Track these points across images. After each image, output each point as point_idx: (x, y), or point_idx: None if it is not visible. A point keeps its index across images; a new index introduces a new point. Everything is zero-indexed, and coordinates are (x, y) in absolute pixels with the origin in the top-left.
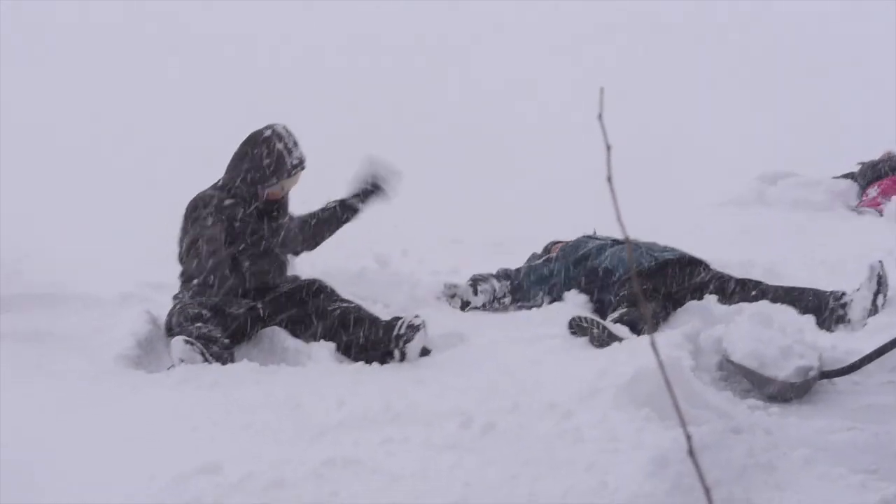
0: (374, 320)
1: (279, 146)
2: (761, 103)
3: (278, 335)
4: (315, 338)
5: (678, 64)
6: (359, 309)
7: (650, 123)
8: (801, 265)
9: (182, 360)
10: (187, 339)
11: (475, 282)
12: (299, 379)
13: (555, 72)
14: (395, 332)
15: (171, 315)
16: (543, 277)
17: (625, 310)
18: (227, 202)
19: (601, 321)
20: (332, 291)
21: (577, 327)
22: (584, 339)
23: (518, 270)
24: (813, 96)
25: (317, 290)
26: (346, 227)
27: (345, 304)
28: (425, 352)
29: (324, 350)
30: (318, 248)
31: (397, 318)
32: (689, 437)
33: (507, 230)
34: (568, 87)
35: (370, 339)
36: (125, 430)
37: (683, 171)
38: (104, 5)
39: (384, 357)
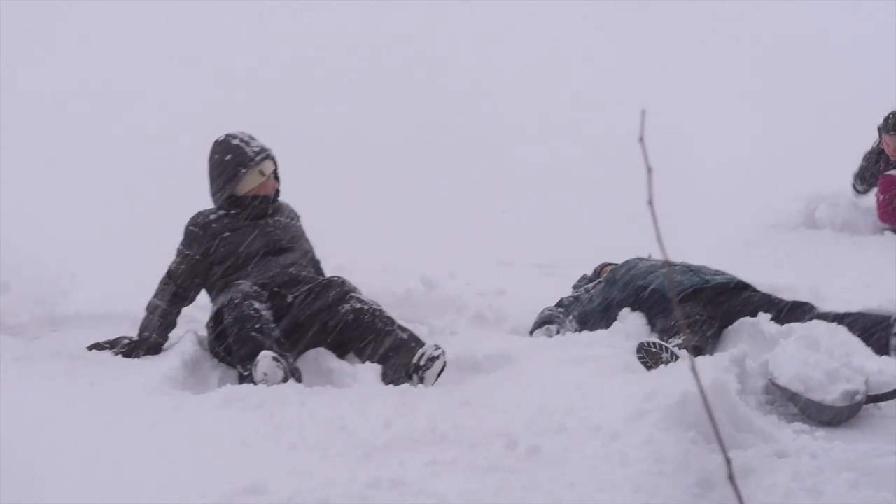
0: (397, 344)
1: (235, 142)
2: (799, 115)
3: (323, 356)
4: (337, 348)
5: (712, 74)
6: (382, 320)
7: (685, 138)
8: (849, 289)
9: (265, 375)
10: (276, 356)
11: (554, 325)
12: (344, 400)
13: (584, 86)
14: (414, 361)
15: (224, 311)
16: (603, 304)
17: (687, 338)
18: (213, 217)
19: (670, 346)
20: (353, 292)
21: (646, 353)
22: (639, 362)
23: (576, 299)
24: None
25: (337, 295)
26: (394, 249)
27: (367, 318)
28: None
29: (369, 372)
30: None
31: (420, 344)
32: (728, 462)
33: (553, 252)
34: (602, 104)
35: (391, 361)
36: (172, 450)
37: (726, 191)
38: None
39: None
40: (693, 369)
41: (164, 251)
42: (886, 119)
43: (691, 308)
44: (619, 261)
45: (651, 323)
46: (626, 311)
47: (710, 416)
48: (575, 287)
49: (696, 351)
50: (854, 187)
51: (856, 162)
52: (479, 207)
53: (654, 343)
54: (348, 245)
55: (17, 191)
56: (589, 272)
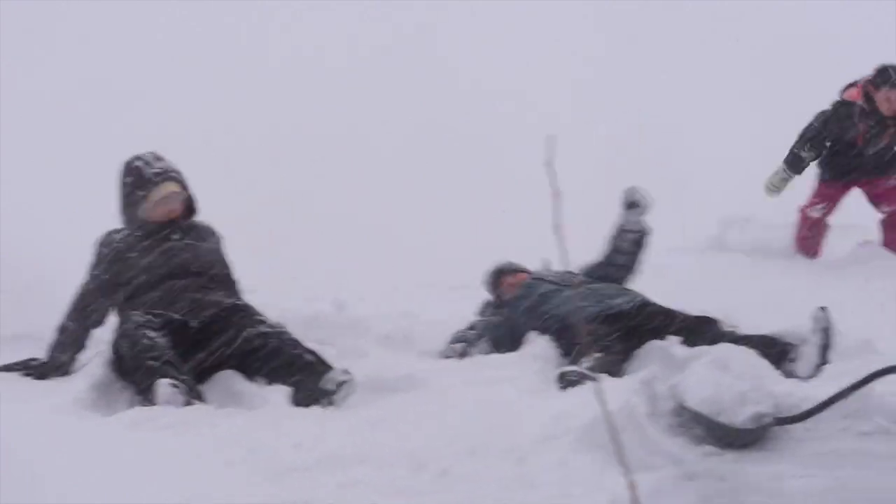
0: (305, 368)
1: (137, 164)
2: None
3: (232, 379)
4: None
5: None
6: (288, 343)
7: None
8: (758, 311)
9: (167, 403)
10: (173, 382)
11: (463, 347)
12: (255, 422)
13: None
14: (320, 386)
15: (119, 343)
16: (511, 330)
17: (596, 358)
18: (118, 237)
19: (591, 374)
20: (257, 316)
21: (567, 382)
22: (543, 383)
23: (486, 323)
24: None
25: (242, 319)
26: (309, 272)
27: (273, 342)
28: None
29: (278, 394)
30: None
31: (328, 368)
32: (633, 486)
33: (465, 273)
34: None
35: (299, 385)
36: (77, 472)
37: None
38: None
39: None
40: (599, 392)
41: None
42: (885, 73)
43: (597, 330)
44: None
45: (558, 346)
46: (533, 334)
47: (614, 437)
48: (481, 314)
49: (606, 373)
50: (797, 153)
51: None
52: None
53: (573, 372)
54: (263, 266)
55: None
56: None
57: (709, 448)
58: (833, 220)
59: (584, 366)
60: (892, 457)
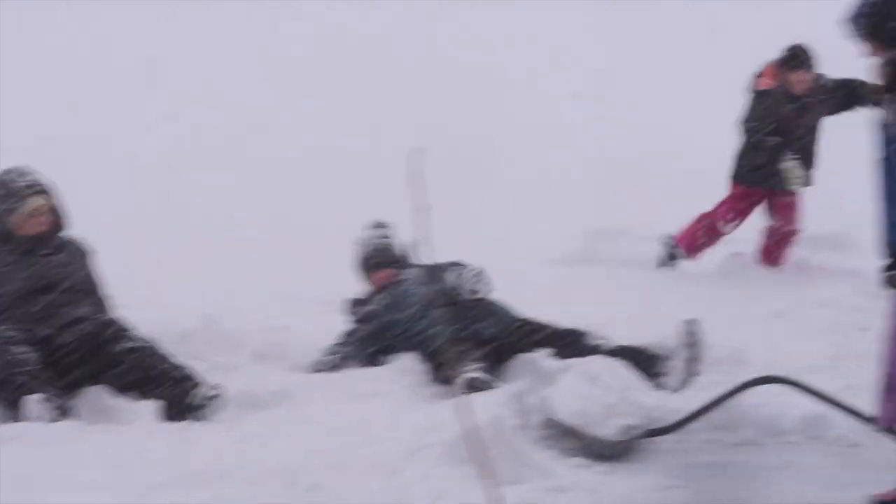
0: (173, 382)
1: (5, 178)
2: None
3: (101, 394)
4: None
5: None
6: (158, 358)
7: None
8: (628, 323)
9: (36, 420)
10: (42, 398)
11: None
12: (123, 438)
13: None
14: (188, 401)
15: None
16: (380, 343)
17: (473, 375)
18: None
19: (491, 379)
20: (128, 331)
21: (473, 387)
22: (412, 397)
23: (358, 335)
24: None
25: (112, 334)
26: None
27: (144, 357)
28: None
29: (148, 409)
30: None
31: (197, 384)
32: (499, 499)
33: (339, 286)
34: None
35: (169, 400)
36: None
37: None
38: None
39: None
40: (463, 407)
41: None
42: (797, 54)
43: (467, 349)
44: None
45: (428, 360)
46: (402, 352)
47: (477, 452)
48: (353, 311)
49: (480, 386)
50: (755, 144)
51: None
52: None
53: (477, 379)
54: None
55: None
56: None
57: (579, 460)
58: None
59: (471, 376)
60: (761, 468)
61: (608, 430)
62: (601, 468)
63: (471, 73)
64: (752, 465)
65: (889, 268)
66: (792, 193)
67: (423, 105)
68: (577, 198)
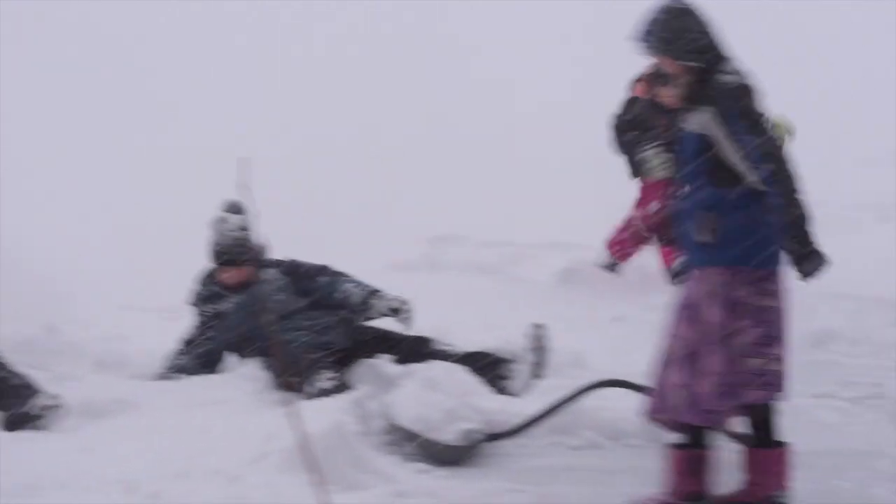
0: (11, 392)
1: None
2: None
3: None
4: None
5: None
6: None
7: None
8: (472, 328)
9: None
10: None
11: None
12: None
13: None
14: (25, 410)
15: None
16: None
17: (330, 378)
18: None
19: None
20: None
21: (322, 392)
22: (255, 404)
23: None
24: None
25: None
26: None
27: None
28: None
29: None
30: None
31: (35, 392)
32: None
33: (175, 295)
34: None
35: (6, 407)
36: None
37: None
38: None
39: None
40: (295, 415)
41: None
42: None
43: (315, 358)
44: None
45: (273, 366)
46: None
47: (312, 459)
48: (201, 306)
49: (328, 393)
50: (636, 163)
51: None
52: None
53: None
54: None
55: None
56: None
57: (420, 465)
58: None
59: (322, 385)
60: (603, 471)
61: (449, 434)
62: (442, 473)
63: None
64: (593, 469)
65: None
66: (656, 181)
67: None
68: (420, 203)
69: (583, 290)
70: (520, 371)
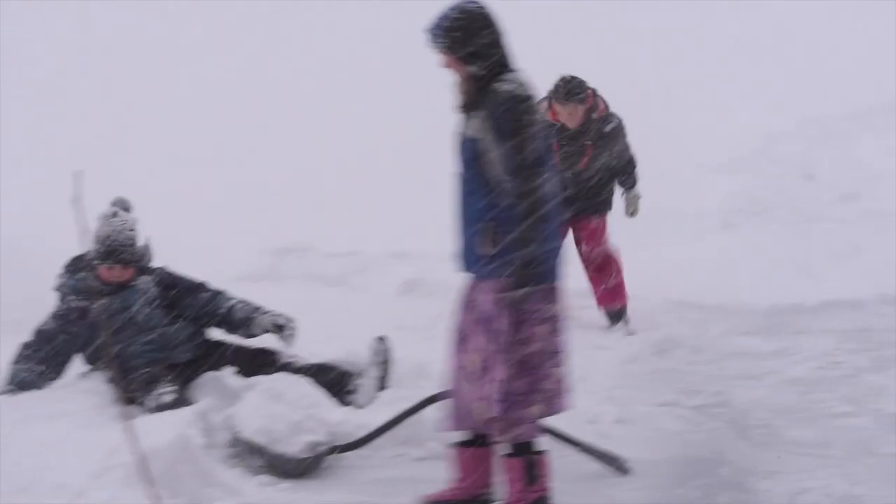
0: None
1: None
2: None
3: None
4: None
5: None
6: None
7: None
8: (317, 340)
9: None
10: None
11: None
12: None
13: None
14: None
15: None
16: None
17: (171, 391)
18: None
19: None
20: None
21: (159, 406)
22: (99, 417)
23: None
24: None
25: None
26: None
27: None
28: None
29: None
30: None
31: None
32: None
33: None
34: None
35: None
36: None
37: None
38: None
39: None
40: (130, 430)
41: None
42: (557, 87)
43: (158, 372)
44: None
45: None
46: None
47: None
48: (63, 292)
49: (176, 403)
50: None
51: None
52: None
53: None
54: None
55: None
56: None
57: (265, 478)
58: None
59: (162, 399)
60: (447, 481)
61: (293, 447)
62: (287, 485)
63: None
64: (437, 480)
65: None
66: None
67: None
68: (264, 215)
69: (426, 301)
70: (364, 384)
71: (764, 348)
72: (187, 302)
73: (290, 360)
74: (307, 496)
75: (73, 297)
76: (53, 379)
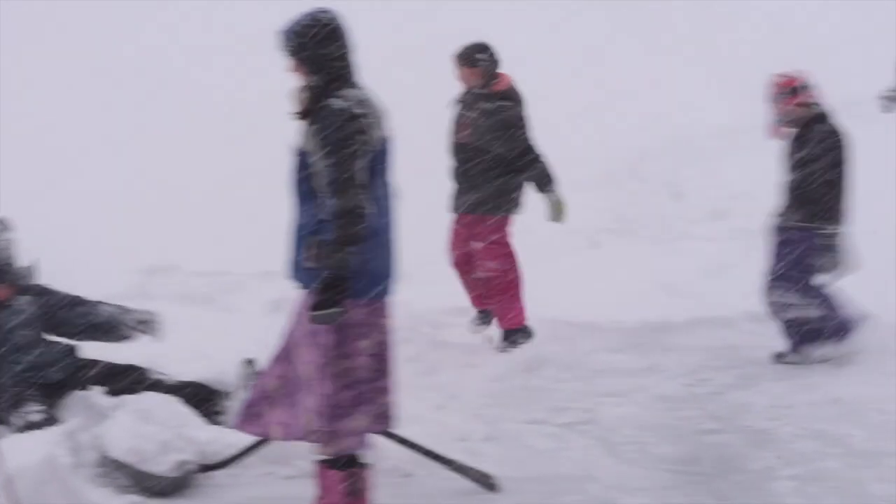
0: None
1: None
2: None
3: None
4: None
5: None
6: None
7: None
8: (186, 359)
9: None
10: None
11: None
12: None
13: None
14: None
15: None
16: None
17: (33, 418)
18: None
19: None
20: None
21: (28, 425)
22: None
23: None
24: None
25: None
26: None
27: None
28: None
29: None
30: None
31: None
32: None
33: None
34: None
35: None
36: None
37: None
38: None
39: None
40: None
41: None
42: (459, 52)
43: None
44: None
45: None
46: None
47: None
48: None
49: (44, 423)
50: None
51: None
52: None
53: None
54: None
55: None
56: None
57: (133, 497)
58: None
59: (29, 418)
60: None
61: (162, 466)
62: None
63: None
64: (305, 498)
65: (320, 304)
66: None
67: None
68: (131, 234)
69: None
70: (233, 407)
71: (632, 365)
72: (66, 317)
73: (159, 377)
74: None
75: None
76: None
